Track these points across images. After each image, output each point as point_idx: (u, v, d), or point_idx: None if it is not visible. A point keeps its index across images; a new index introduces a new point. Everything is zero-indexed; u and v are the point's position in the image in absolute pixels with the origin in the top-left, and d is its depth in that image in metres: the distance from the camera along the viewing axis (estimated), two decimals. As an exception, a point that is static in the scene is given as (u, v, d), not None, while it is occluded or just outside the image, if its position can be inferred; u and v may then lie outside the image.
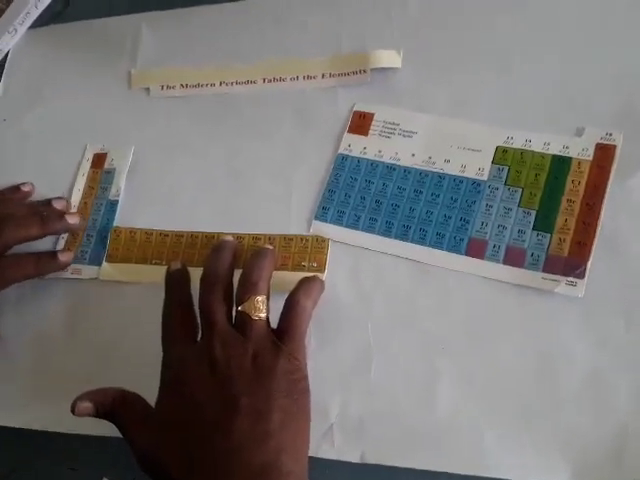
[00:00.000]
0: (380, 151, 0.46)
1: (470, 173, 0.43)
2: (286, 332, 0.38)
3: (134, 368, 0.42)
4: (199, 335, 0.39)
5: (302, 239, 0.45)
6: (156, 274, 0.45)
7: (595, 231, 0.40)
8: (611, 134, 0.41)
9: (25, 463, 0.45)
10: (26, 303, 0.48)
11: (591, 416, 0.37)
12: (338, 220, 0.45)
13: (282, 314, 0.39)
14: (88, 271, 0.48)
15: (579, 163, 0.41)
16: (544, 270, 0.40)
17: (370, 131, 0.47)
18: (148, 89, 0.53)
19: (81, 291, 0.48)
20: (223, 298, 0.39)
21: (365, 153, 0.46)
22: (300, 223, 0.45)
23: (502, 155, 0.43)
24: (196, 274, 0.40)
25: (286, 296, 0.39)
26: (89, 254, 0.49)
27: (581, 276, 0.39)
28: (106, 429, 0.39)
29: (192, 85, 0.52)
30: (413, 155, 0.45)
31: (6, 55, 0.59)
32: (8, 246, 0.46)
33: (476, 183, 0.43)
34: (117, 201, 0.50)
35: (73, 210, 0.50)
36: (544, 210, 0.41)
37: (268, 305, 0.38)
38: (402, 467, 0.38)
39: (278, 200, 0.47)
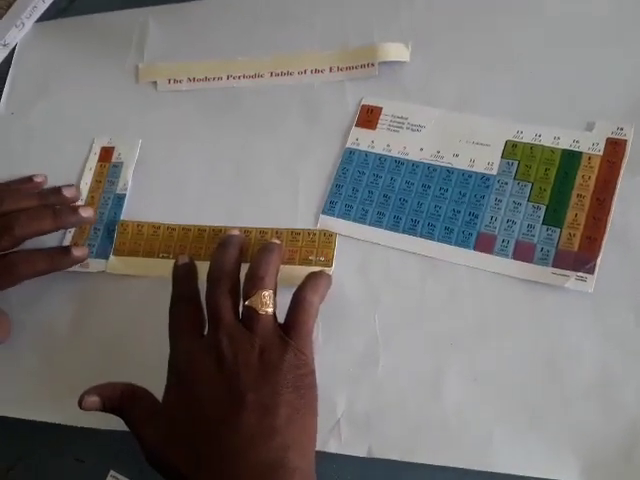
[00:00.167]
0: (388, 145, 0.45)
1: (479, 167, 0.43)
2: (293, 327, 0.37)
3: (141, 361, 0.43)
4: (206, 330, 0.39)
5: (309, 233, 0.45)
6: (163, 267, 0.45)
7: (605, 226, 0.39)
8: (622, 129, 0.41)
9: (31, 454, 0.45)
10: (33, 295, 0.48)
11: (601, 411, 0.37)
12: (346, 214, 0.44)
13: (289, 309, 0.38)
14: (95, 264, 0.48)
15: (589, 158, 0.41)
16: (554, 265, 0.39)
17: (378, 125, 0.46)
18: (155, 83, 0.53)
19: (88, 284, 0.48)
20: (230, 293, 0.38)
21: (373, 147, 0.46)
22: (307, 217, 0.45)
23: (512, 149, 0.43)
24: (203, 268, 0.40)
25: (293, 291, 0.39)
26: (96, 247, 0.49)
27: (591, 271, 0.39)
28: (112, 423, 0.39)
29: (199, 79, 0.52)
30: (421, 149, 0.45)
31: (13, 49, 0.59)
32: (19, 241, 0.45)
33: (485, 177, 0.43)
34: (124, 195, 0.50)
35: (81, 201, 0.50)
36: (554, 205, 0.41)
37: (275, 300, 0.38)
38: (409, 462, 0.38)
39: (285, 194, 0.46)
